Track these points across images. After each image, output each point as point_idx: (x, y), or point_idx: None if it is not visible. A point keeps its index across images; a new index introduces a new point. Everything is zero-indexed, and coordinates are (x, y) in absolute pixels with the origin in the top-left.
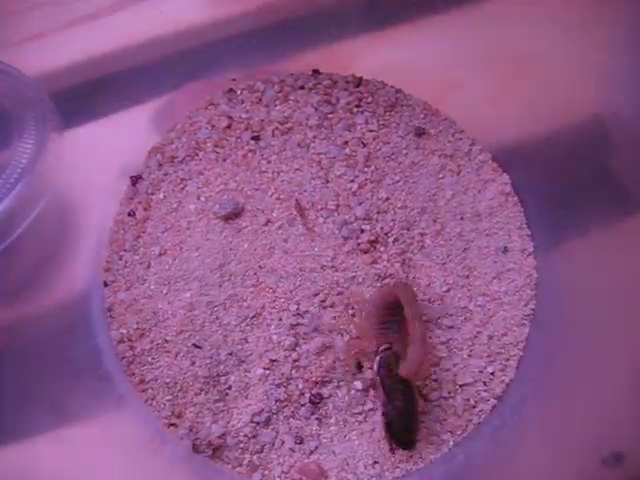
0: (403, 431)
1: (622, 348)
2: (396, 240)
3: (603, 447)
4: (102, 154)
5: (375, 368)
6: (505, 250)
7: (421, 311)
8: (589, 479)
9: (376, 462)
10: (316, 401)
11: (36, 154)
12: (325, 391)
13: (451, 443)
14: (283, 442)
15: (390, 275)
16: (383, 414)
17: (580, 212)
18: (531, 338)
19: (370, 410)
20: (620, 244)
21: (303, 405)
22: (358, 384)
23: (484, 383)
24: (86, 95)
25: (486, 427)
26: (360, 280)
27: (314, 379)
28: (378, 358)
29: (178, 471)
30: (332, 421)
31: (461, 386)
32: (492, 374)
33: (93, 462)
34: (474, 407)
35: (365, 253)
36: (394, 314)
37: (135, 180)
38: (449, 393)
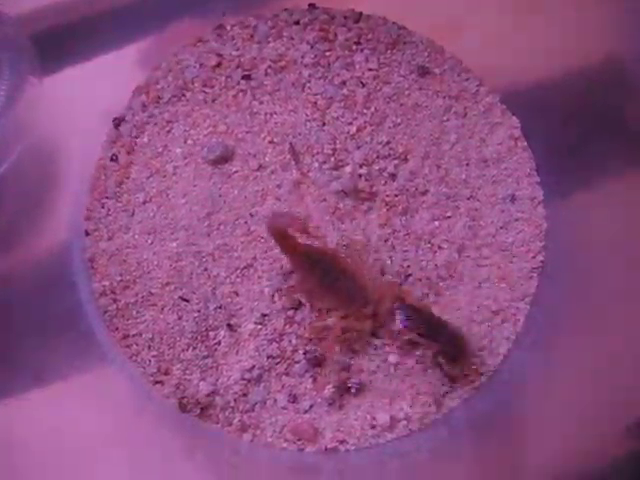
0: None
1: (638, 303)
2: (397, 187)
3: (625, 414)
4: (83, 96)
5: (401, 325)
6: (513, 198)
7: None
8: (610, 448)
9: (374, 422)
10: (311, 358)
11: (11, 97)
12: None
13: (453, 404)
14: (275, 400)
15: (387, 224)
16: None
17: (593, 159)
18: (540, 292)
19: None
20: (635, 194)
21: (297, 362)
22: None
23: (490, 341)
24: (66, 37)
25: (490, 388)
26: (359, 230)
27: (309, 335)
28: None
29: (164, 431)
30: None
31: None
32: (497, 331)
33: (75, 422)
34: (476, 368)
35: (364, 201)
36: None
37: (118, 122)
38: None
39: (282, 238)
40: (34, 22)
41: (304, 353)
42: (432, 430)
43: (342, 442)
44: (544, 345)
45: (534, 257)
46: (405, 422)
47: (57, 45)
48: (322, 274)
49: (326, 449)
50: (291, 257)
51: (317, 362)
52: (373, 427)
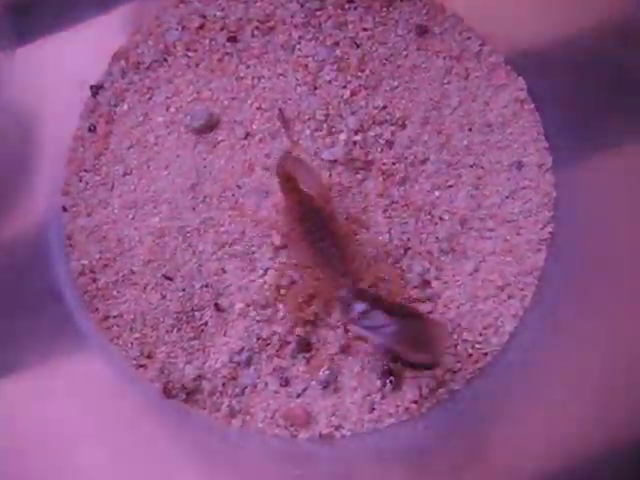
0: (418, 352)
1: None
2: (394, 155)
3: (634, 399)
4: (58, 63)
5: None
6: (520, 165)
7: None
8: (618, 432)
9: (373, 407)
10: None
11: None
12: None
13: (456, 386)
14: (266, 384)
15: (385, 195)
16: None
17: (605, 122)
18: (548, 266)
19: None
20: None
21: (289, 343)
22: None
23: (495, 319)
24: (43, 3)
25: (495, 369)
26: (355, 202)
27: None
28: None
29: (148, 417)
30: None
31: (468, 324)
32: (504, 308)
33: (54, 409)
34: (480, 348)
35: (360, 170)
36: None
37: (96, 90)
38: (453, 330)
39: (286, 179)
40: None
41: (297, 335)
42: (434, 414)
43: (337, 428)
44: (553, 323)
45: (542, 228)
46: (405, 406)
47: (33, 12)
48: (310, 228)
49: (320, 435)
50: (286, 200)
51: (307, 345)
52: (371, 411)
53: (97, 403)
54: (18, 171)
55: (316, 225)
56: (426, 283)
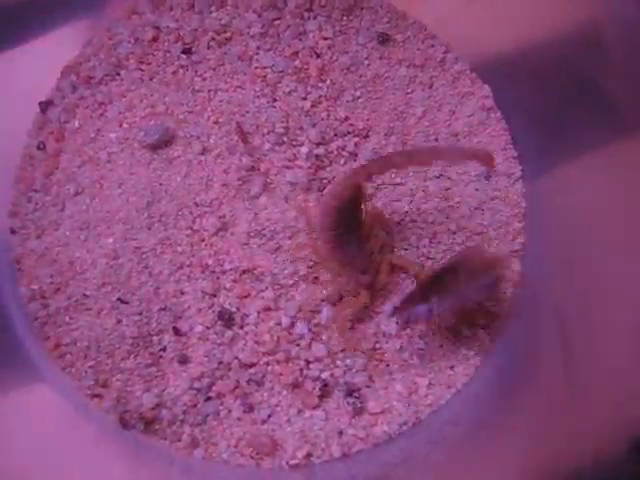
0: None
1: (626, 284)
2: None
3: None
4: (5, 79)
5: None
6: (488, 176)
7: None
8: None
9: (341, 432)
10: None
11: None
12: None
13: (428, 411)
14: (230, 411)
15: None
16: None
17: (573, 130)
18: (522, 276)
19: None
20: (617, 166)
21: (252, 366)
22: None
23: (467, 338)
24: None
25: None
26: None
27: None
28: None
29: (105, 450)
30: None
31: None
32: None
33: (4, 447)
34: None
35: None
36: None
37: (45, 106)
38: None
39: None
40: None
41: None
42: (404, 439)
43: (307, 456)
44: (527, 332)
45: (513, 239)
46: (380, 429)
47: None
48: (340, 231)
49: (288, 464)
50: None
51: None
52: (340, 434)
53: (49, 437)
54: None
55: (345, 228)
56: None
